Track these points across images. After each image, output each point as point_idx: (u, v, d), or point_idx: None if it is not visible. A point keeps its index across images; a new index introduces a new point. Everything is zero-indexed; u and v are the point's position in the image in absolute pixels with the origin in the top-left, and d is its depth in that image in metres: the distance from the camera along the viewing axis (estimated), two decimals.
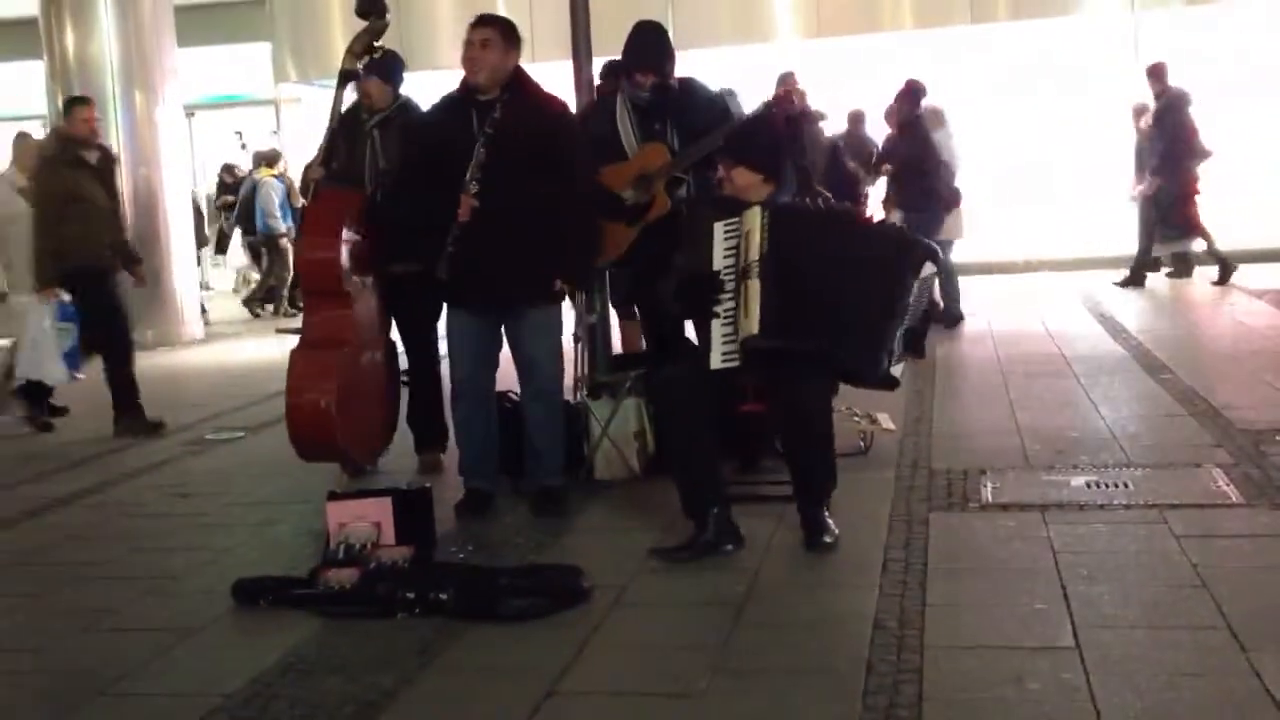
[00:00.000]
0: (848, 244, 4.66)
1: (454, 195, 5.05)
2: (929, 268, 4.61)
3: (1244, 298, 11.12)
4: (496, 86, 5.10)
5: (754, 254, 4.53)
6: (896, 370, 4.65)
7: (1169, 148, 11.23)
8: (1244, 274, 12.12)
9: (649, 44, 5.64)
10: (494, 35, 5.10)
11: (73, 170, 7.62)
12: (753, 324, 4.48)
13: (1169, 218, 11.77)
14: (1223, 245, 11.94)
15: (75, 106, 7.90)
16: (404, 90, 6.11)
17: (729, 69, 10.53)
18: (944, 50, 14.38)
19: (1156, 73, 11.56)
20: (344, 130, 5.94)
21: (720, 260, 4.65)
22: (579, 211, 5.19)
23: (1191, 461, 5.50)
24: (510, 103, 5.10)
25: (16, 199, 8.27)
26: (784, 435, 4.82)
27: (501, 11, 15.16)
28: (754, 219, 4.58)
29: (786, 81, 7.48)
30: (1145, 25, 14.57)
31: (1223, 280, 11.69)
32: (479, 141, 5.04)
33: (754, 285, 4.51)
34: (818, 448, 4.64)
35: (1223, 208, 12.51)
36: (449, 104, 5.29)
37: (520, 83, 5.18)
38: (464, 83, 5.19)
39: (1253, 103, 13.79)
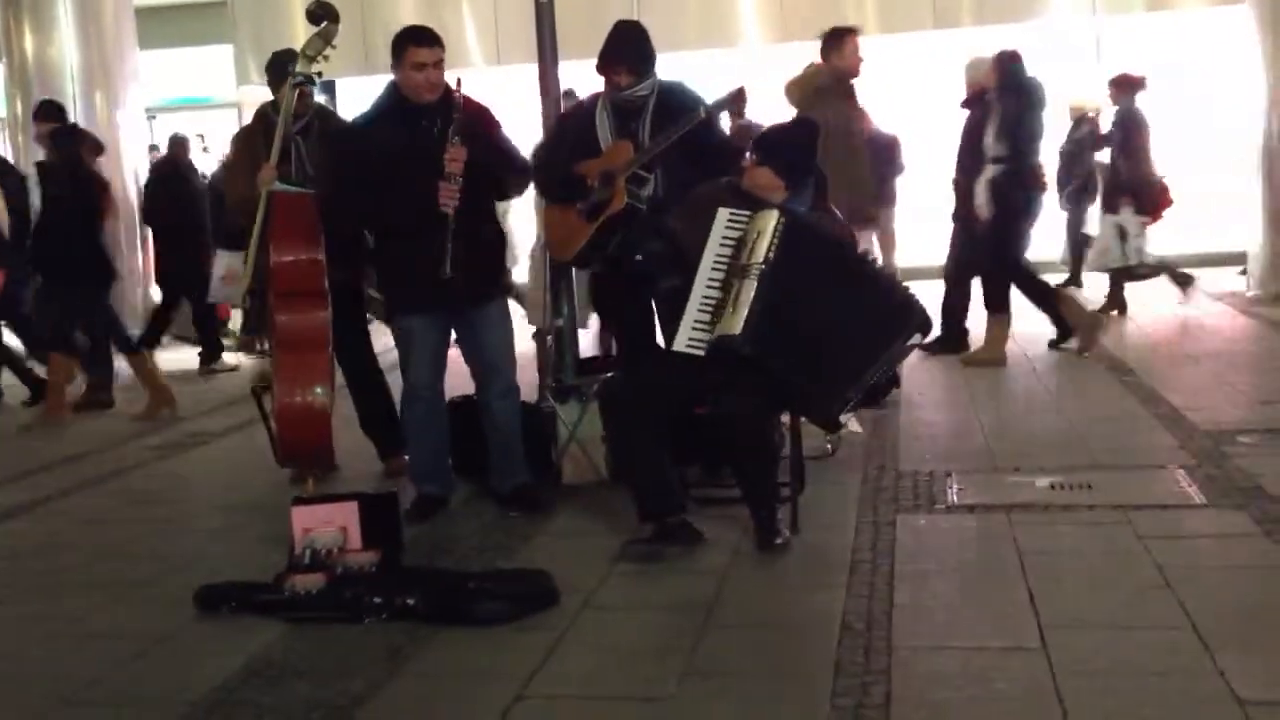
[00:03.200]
0: (854, 283, 4.62)
1: (415, 199, 5.04)
2: (918, 337, 4.63)
3: (1205, 300, 11.22)
4: None
5: (759, 256, 4.46)
6: (846, 418, 4.67)
7: None
8: (1204, 278, 12.24)
9: (625, 41, 5.56)
10: (442, 54, 5.14)
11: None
12: (736, 324, 4.41)
13: None
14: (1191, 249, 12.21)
15: (847, 37, 7.46)
16: (370, 92, 6.07)
17: (694, 73, 10.53)
18: (907, 55, 14.43)
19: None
20: (262, 138, 5.89)
21: (715, 246, 4.57)
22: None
23: (1155, 463, 5.54)
24: (452, 108, 5.10)
25: None
26: (722, 439, 4.78)
27: (466, 16, 15.38)
28: (768, 221, 4.51)
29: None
30: (1107, 31, 14.69)
31: None
32: (456, 140, 5.03)
33: (749, 286, 4.44)
34: (754, 452, 4.63)
35: (1188, 213, 12.65)
36: (388, 115, 5.22)
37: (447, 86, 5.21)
38: (401, 97, 5.16)
39: (1214, 109, 13.89)
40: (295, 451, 5.63)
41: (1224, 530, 4.62)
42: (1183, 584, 4.00)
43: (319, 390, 5.48)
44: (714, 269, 4.57)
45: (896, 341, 4.57)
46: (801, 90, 7.37)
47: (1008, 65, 8.38)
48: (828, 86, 7.28)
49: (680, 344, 4.56)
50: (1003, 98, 8.31)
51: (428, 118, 5.11)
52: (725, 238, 4.59)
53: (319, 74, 5.81)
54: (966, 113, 8.88)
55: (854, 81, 7.48)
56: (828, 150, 6.67)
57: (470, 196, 5.08)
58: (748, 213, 4.59)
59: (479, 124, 5.22)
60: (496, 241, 5.46)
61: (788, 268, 4.46)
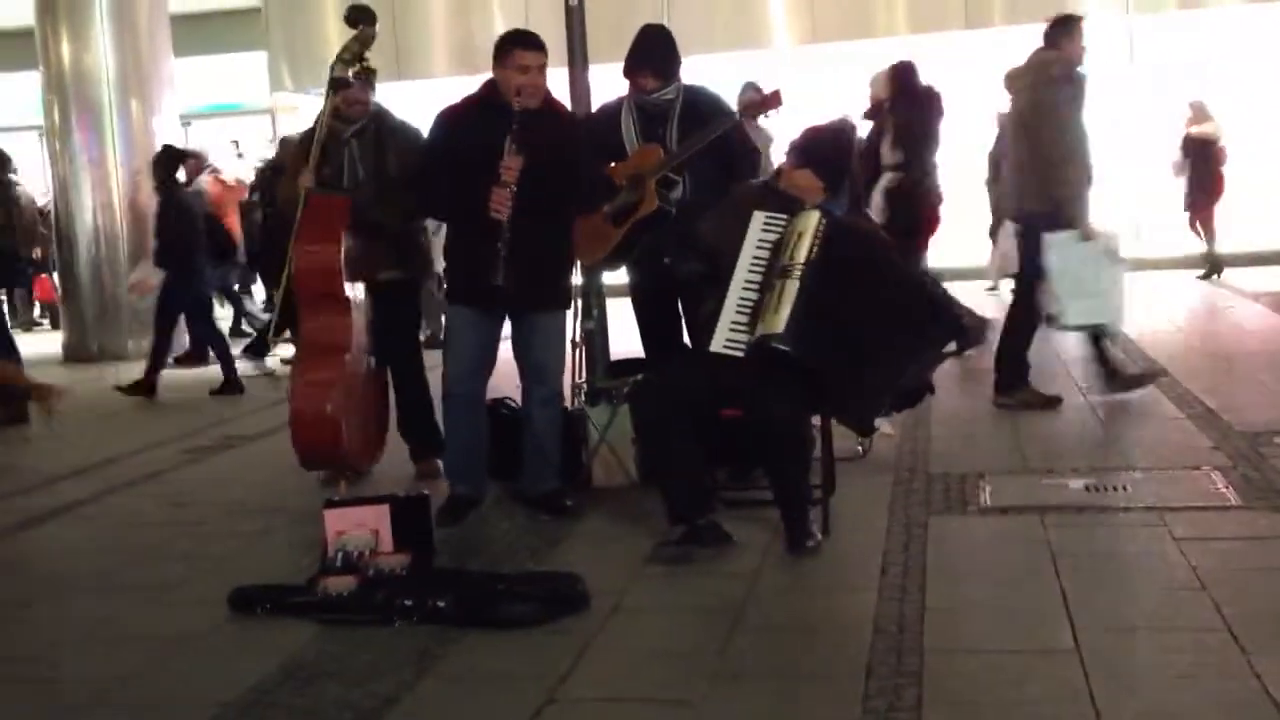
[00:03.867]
0: (892, 286, 4.59)
1: (475, 198, 5.05)
2: (951, 345, 4.61)
3: (1240, 300, 11.13)
4: None
5: (800, 256, 4.46)
6: (880, 421, 4.65)
7: None
8: (1241, 276, 12.16)
9: (652, 46, 5.59)
10: (545, 59, 5.15)
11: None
12: (778, 323, 4.41)
13: None
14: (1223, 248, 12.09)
15: (1077, 23, 7.14)
16: (402, 98, 6.10)
17: (724, 75, 10.53)
18: (939, 55, 14.39)
19: None
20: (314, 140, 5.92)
21: (751, 249, 4.58)
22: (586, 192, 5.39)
23: (1190, 464, 5.50)
24: (539, 111, 5.14)
25: None
26: (759, 442, 4.75)
27: (498, 20, 15.42)
28: (810, 221, 4.52)
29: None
30: (1140, 30, 14.60)
31: None
32: (514, 148, 5.01)
33: (791, 286, 4.44)
34: (792, 455, 4.62)
35: (1222, 210, 12.60)
36: (475, 109, 5.27)
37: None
38: (489, 94, 5.20)
39: (1248, 106, 13.80)
40: (308, 454, 5.65)
41: (1260, 532, 4.58)
42: (1218, 586, 3.96)
43: (332, 394, 5.50)
44: (751, 271, 4.58)
45: (933, 346, 4.55)
46: (1035, 77, 6.93)
47: (902, 76, 8.44)
48: (1062, 76, 6.84)
49: (718, 345, 4.55)
50: (896, 108, 8.35)
51: (506, 120, 5.07)
52: (762, 240, 4.60)
53: (358, 75, 5.81)
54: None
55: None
56: (1060, 144, 6.63)
57: (529, 206, 5.03)
58: (784, 215, 4.59)
59: (560, 139, 5.19)
60: (559, 253, 5.35)
61: (829, 269, 4.45)
